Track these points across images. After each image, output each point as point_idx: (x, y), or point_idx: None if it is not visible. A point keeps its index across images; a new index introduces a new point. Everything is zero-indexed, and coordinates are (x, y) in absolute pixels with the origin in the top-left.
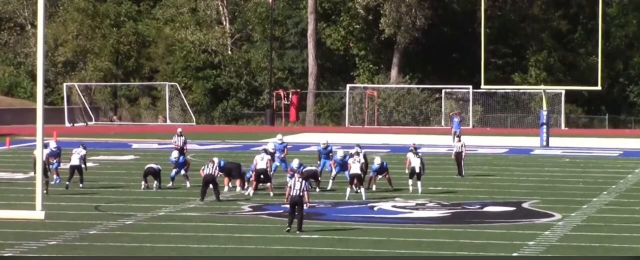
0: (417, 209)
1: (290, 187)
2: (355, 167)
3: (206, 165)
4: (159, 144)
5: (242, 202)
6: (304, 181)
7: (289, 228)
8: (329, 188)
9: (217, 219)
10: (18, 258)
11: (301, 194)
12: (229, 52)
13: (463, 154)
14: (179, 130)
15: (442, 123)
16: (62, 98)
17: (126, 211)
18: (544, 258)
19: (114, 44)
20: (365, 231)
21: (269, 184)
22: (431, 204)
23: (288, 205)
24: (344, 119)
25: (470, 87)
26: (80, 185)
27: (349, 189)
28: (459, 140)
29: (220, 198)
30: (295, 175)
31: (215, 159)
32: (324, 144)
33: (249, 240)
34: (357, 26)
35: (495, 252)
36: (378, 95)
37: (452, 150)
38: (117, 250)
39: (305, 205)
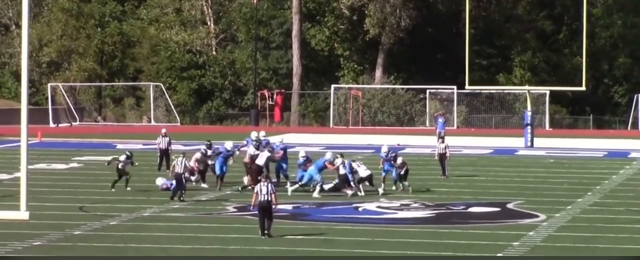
0: (401, 210)
1: (257, 193)
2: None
3: (176, 163)
4: (144, 145)
5: (226, 202)
6: (270, 185)
7: (264, 234)
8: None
9: (202, 219)
10: (2, 258)
11: (269, 198)
12: (214, 53)
13: (447, 154)
14: (163, 130)
15: (427, 123)
16: (47, 98)
17: (111, 212)
18: (528, 258)
19: (98, 44)
20: (350, 232)
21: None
22: (416, 205)
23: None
24: (329, 120)
25: (455, 87)
26: None
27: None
28: (443, 142)
29: (183, 199)
30: (262, 179)
31: (180, 158)
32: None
33: (233, 241)
34: (342, 26)
35: (480, 253)
36: (362, 96)
37: (436, 151)
38: (102, 250)
39: (274, 206)
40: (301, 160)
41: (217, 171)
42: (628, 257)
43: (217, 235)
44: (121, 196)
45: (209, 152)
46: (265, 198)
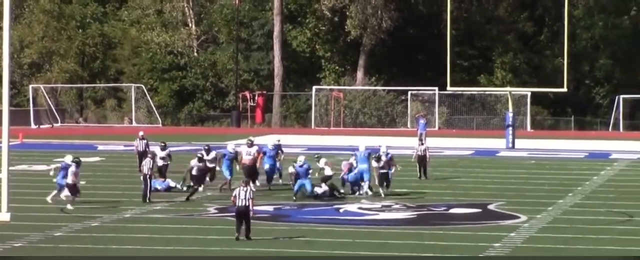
0: (382, 211)
1: (235, 196)
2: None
3: (144, 163)
4: (125, 146)
5: (207, 203)
6: (249, 190)
7: (237, 236)
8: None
9: (183, 220)
10: None
11: (247, 203)
12: (195, 54)
13: (427, 156)
14: (141, 133)
15: (408, 125)
16: (28, 100)
17: (92, 213)
18: (509, 259)
19: (79, 45)
20: (331, 233)
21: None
22: (397, 206)
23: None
24: (310, 121)
25: (436, 88)
26: None
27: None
28: (422, 144)
29: (150, 200)
30: (242, 184)
31: (148, 159)
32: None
33: (214, 243)
34: (323, 28)
35: (461, 254)
36: (344, 97)
37: (415, 152)
38: (83, 251)
39: (250, 212)
40: (304, 166)
41: (227, 175)
42: (627, 257)
43: (198, 237)
44: (102, 197)
45: (209, 157)
46: (243, 203)
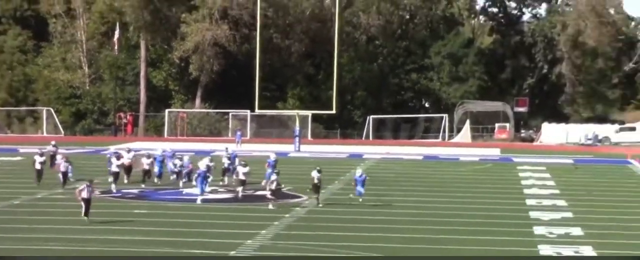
0: (211, 193)
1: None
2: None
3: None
4: (39, 149)
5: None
6: None
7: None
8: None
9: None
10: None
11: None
12: (87, 87)
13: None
14: (53, 142)
15: (229, 135)
16: None
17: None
18: (298, 222)
19: (8, 81)
20: (174, 207)
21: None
22: (221, 190)
23: None
24: (164, 133)
25: (249, 111)
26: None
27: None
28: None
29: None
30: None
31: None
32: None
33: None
34: (174, 70)
35: (265, 222)
36: (187, 116)
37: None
38: None
39: None
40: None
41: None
42: (630, 257)
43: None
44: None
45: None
46: None
